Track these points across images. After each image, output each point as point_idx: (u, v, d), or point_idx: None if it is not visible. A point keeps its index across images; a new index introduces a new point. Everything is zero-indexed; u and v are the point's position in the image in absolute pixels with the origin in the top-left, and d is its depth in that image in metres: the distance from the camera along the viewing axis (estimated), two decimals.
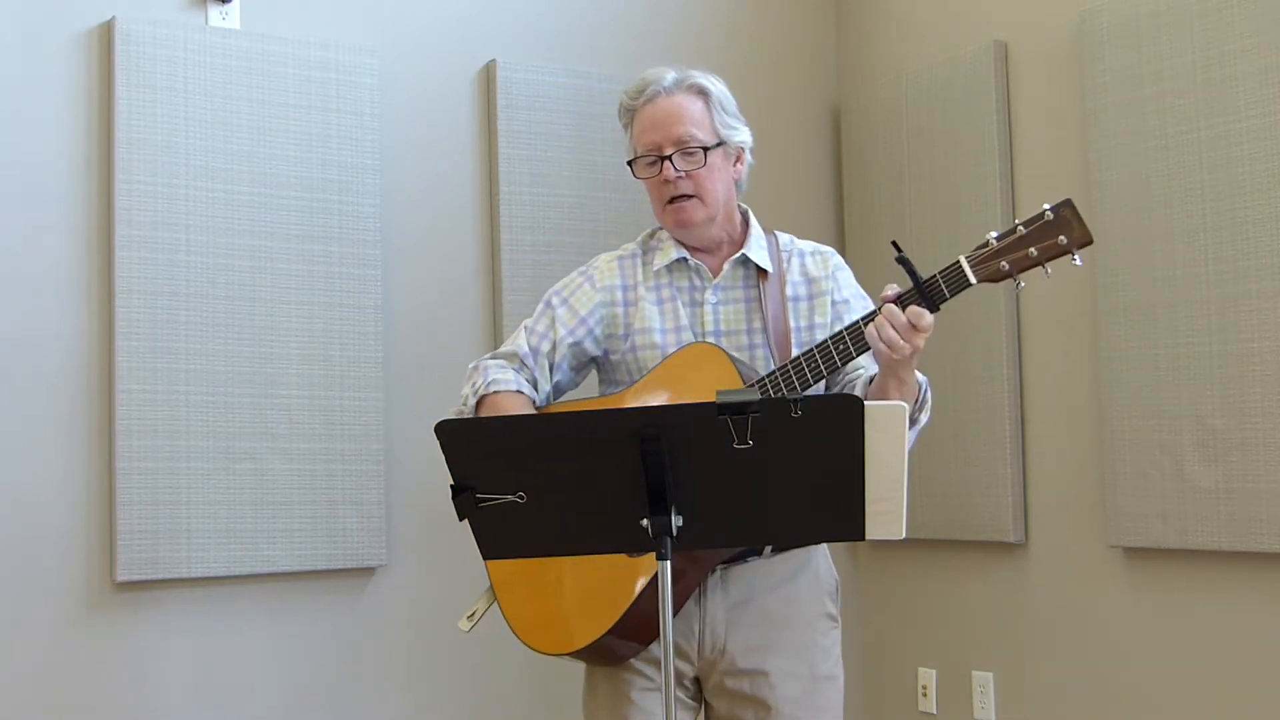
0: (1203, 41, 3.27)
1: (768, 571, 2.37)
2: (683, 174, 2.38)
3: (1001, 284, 2.21)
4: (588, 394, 2.61)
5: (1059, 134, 3.67)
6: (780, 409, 1.83)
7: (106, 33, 3.31)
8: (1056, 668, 3.67)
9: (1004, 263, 2.18)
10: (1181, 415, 3.30)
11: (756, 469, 1.88)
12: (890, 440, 1.96)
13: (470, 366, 2.50)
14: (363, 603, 3.55)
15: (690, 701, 2.41)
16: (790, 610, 2.38)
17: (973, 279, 2.19)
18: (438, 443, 1.94)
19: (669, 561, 1.90)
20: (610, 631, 2.29)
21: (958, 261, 2.19)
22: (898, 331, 2.16)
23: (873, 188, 4.18)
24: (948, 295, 2.19)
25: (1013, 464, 3.74)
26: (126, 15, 3.31)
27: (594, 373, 2.57)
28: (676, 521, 1.88)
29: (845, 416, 1.85)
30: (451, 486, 1.96)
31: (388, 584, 3.57)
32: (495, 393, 2.39)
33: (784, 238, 2.54)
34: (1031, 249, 2.17)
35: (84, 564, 3.24)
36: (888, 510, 1.99)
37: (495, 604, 2.41)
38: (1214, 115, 3.24)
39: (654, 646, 2.36)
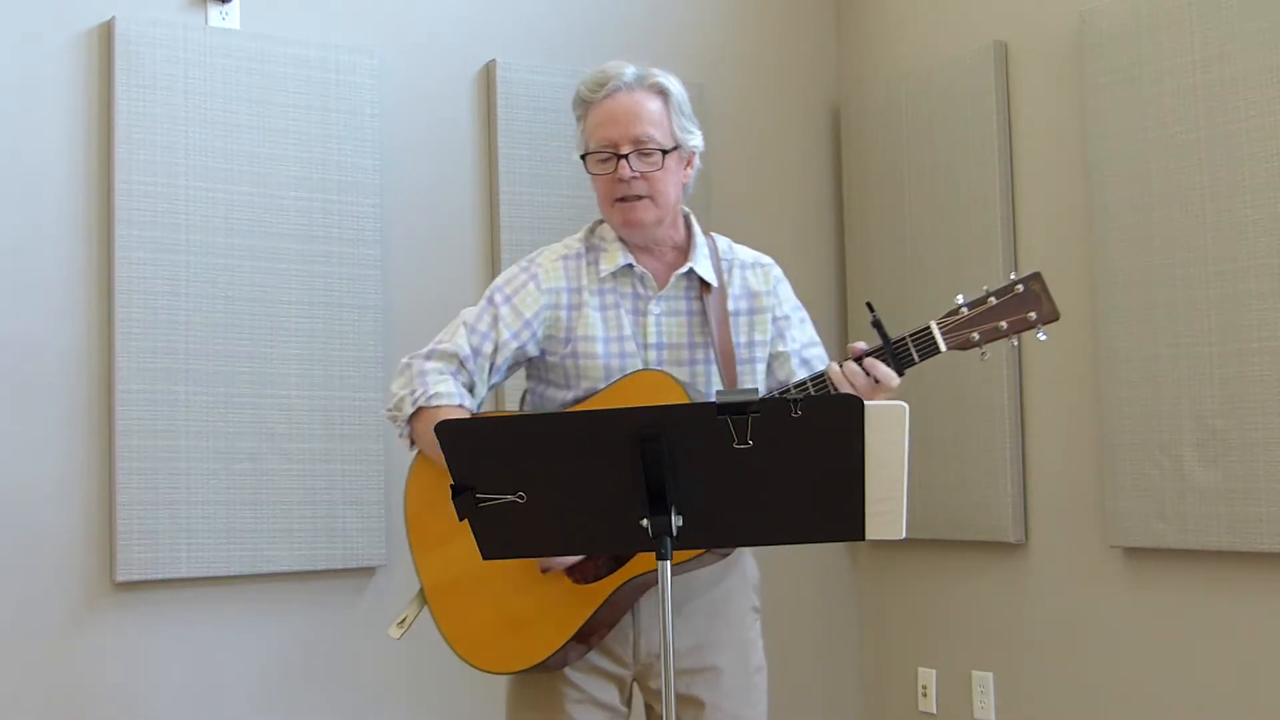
0: (1203, 41, 3.27)
1: (699, 573, 2.38)
2: (638, 174, 2.34)
3: (968, 352, 2.24)
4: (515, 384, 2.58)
5: (1059, 134, 3.67)
6: (780, 409, 1.83)
7: (106, 33, 3.31)
8: (1056, 668, 3.67)
9: (975, 333, 2.22)
10: (1181, 415, 3.30)
11: (756, 469, 1.88)
12: (890, 440, 1.96)
13: (403, 363, 2.43)
14: (363, 603, 3.55)
15: (622, 708, 2.43)
16: (723, 608, 2.41)
17: (943, 347, 2.22)
18: (438, 443, 1.94)
19: (669, 561, 1.90)
20: (556, 651, 2.30)
21: (928, 327, 2.21)
22: (858, 390, 2.20)
23: (873, 188, 4.18)
24: (916, 360, 2.22)
25: (1013, 464, 3.74)
26: (126, 15, 3.31)
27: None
28: (676, 521, 1.88)
29: (845, 416, 1.85)
30: (451, 486, 1.96)
31: (388, 584, 3.57)
32: (437, 407, 2.34)
33: (723, 243, 2.52)
34: (1002, 322, 2.21)
35: (84, 564, 3.24)
36: (888, 510, 1.99)
37: (426, 609, 2.40)
38: (1214, 115, 3.24)
39: (591, 655, 2.37)
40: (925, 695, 4.06)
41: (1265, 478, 3.14)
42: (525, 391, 2.53)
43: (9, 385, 3.19)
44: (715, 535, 2.04)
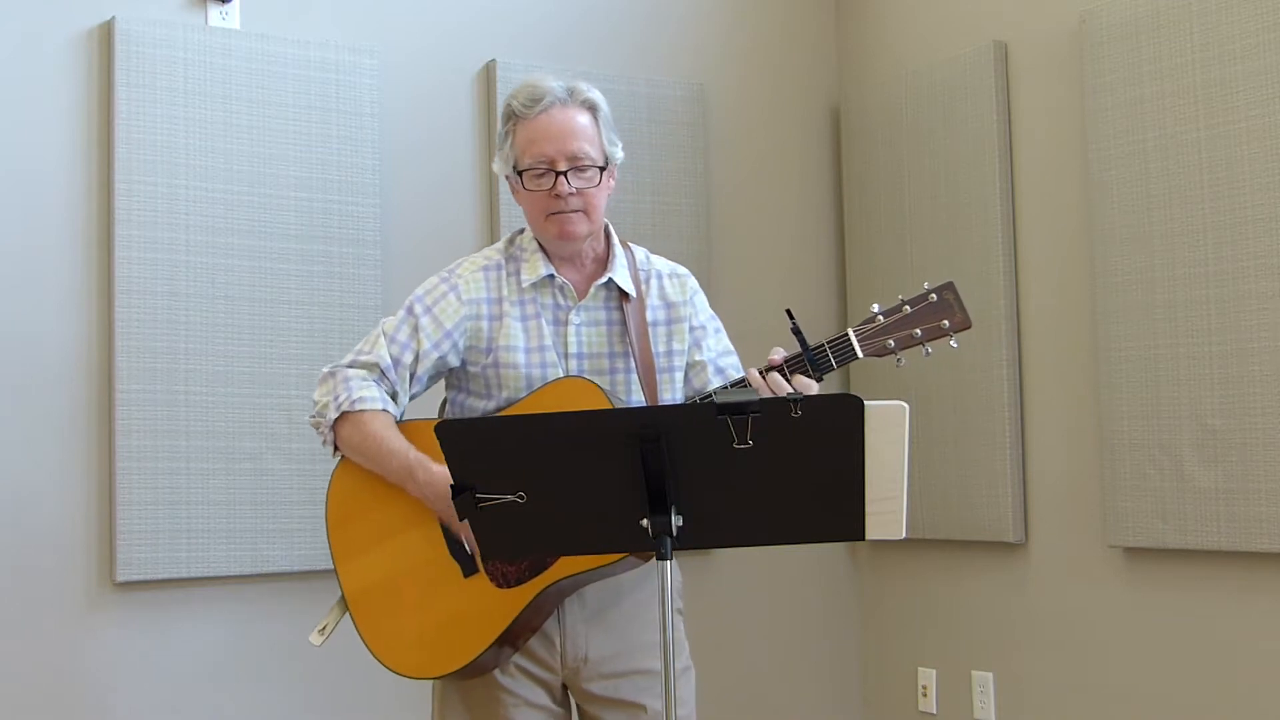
0: (1203, 41, 3.27)
1: (620, 579, 2.39)
2: (574, 191, 2.36)
3: (884, 359, 2.30)
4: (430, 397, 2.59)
5: (1059, 134, 3.67)
6: (780, 409, 1.83)
7: (106, 33, 3.31)
8: (1056, 668, 3.67)
9: (890, 340, 2.27)
10: (1181, 415, 3.30)
11: (756, 469, 1.88)
12: (890, 440, 1.96)
13: (325, 372, 2.43)
14: None
15: (557, 708, 2.44)
16: (645, 611, 2.41)
17: (860, 353, 2.27)
18: (438, 443, 1.94)
19: (669, 562, 1.90)
20: (479, 654, 2.30)
21: (846, 334, 2.28)
22: (776, 395, 2.22)
23: (873, 188, 4.18)
24: (834, 366, 2.28)
25: (1013, 464, 3.74)
26: (126, 15, 3.31)
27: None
28: (676, 521, 1.88)
29: (845, 416, 1.85)
30: (451, 486, 1.96)
31: None
32: (361, 411, 2.36)
33: (640, 254, 2.53)
34: (916, 329, 2.27)
35: (84, 564, 3.24)
36: (888, 510, 1.99)
37: (348, 615, 2.41)
38: (1214, 115, 3.24)
39: (520, 660, 2.38)
40: (925, 695, 4.06)
41: (1265, 478, 3.14)
42: (444, 400, 2.53)
43: (9, 385, 3.19)
44: (715, 535, 2.04)
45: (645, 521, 1.89)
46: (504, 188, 3.73)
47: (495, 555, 2.09)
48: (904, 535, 2.01)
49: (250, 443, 3.38)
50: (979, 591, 3.90)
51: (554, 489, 1.94)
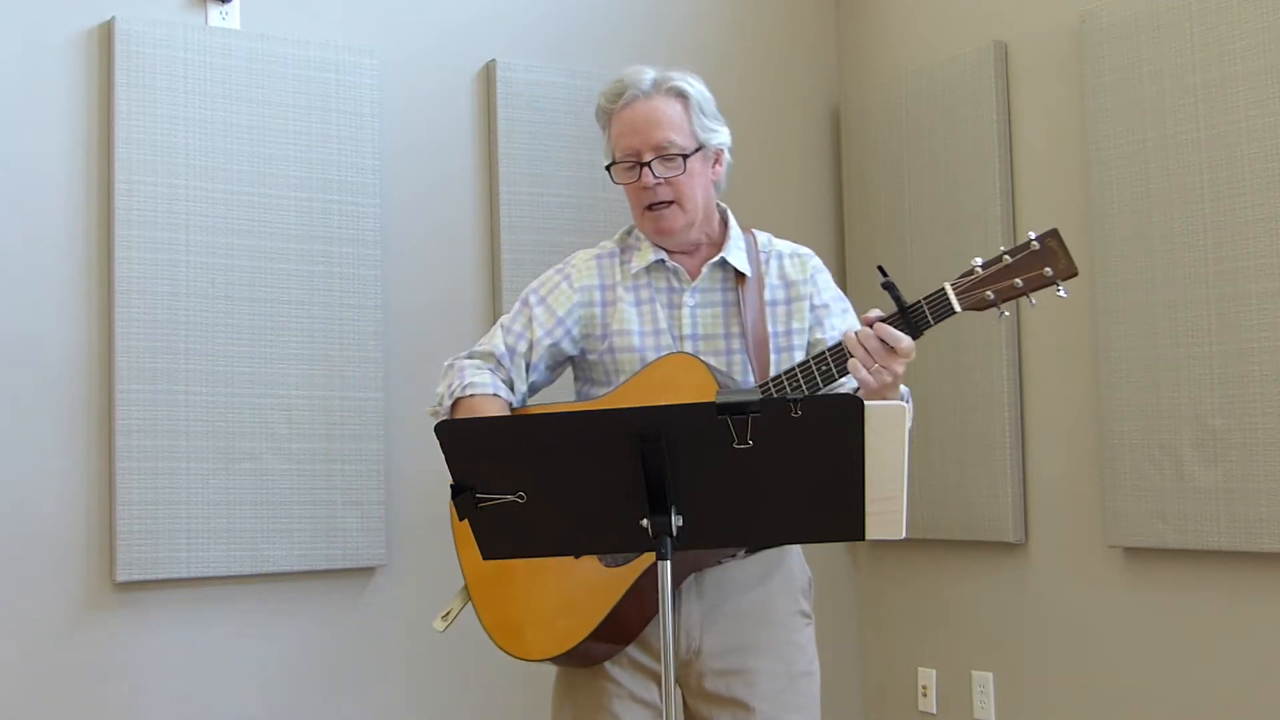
0: (1202, 41, 3.27)
1: (741, 573, 2.38)
2: (662, 180, 2.37)
3: (985, 312, 2.20)
4: (561, 390, 2.60)
5: (1059, 134, 3.67)
6: (780, 409, 1.83)
7: (106, 33, 3.32)
8: (1056, 668, 3.67)
9: (989, 292, 2.17)
10: (1181, 415, 3.30)
11: (756, 469, 1.88)
12: (890, 440, 1.96)
13: (445, 365, 2.49)
14: (363, 603, 3.55)
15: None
16: (765, 609, 2.40)
17: (958, 307, 2.18)
18: (438, 443, 1.94)
19: (669, 561, 1.90)
20: (590, 636, 2.30)
21: (943, 289, 2.19)
22: (871, 354, 2.16)
23: (873, 188, 4.18)
24: (931, 322, 2.20)
25: (1013, 464, 3.74)
26: (126, 15, 3.31)
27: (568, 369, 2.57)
28: (676, 521, 1.88)
29: (845, 416, 1.85)
30: (451, 486, 1.96)
31: (388, 584, 3.57)
32: (472, 396, 2.39)
33: (762, 237, 2.53)
34: (1017, 279, 2.16)
35: (84, 564, 3.24)
36: (888, 510, 1.99)
37: (470, 604, 2.42)
38: (1214, 115, 3.24)
39: (632, 650, 2.37)
40: (925, 695, 4.06)
41: (1265, 478, 3.14)
42: (576, 396, 2.55)
43: (9, 385, 3.19)
44: (715, 535, 2.03)
45: (645, 521, 1.89)
46: (504, 188, 3.76)
47: (495, 555, 2.08)
48: (904, 535, 2.01)
49: (250, 443, 3.38)
50: (979, 591, 3.90)
51: (554, 489, 1.94)
